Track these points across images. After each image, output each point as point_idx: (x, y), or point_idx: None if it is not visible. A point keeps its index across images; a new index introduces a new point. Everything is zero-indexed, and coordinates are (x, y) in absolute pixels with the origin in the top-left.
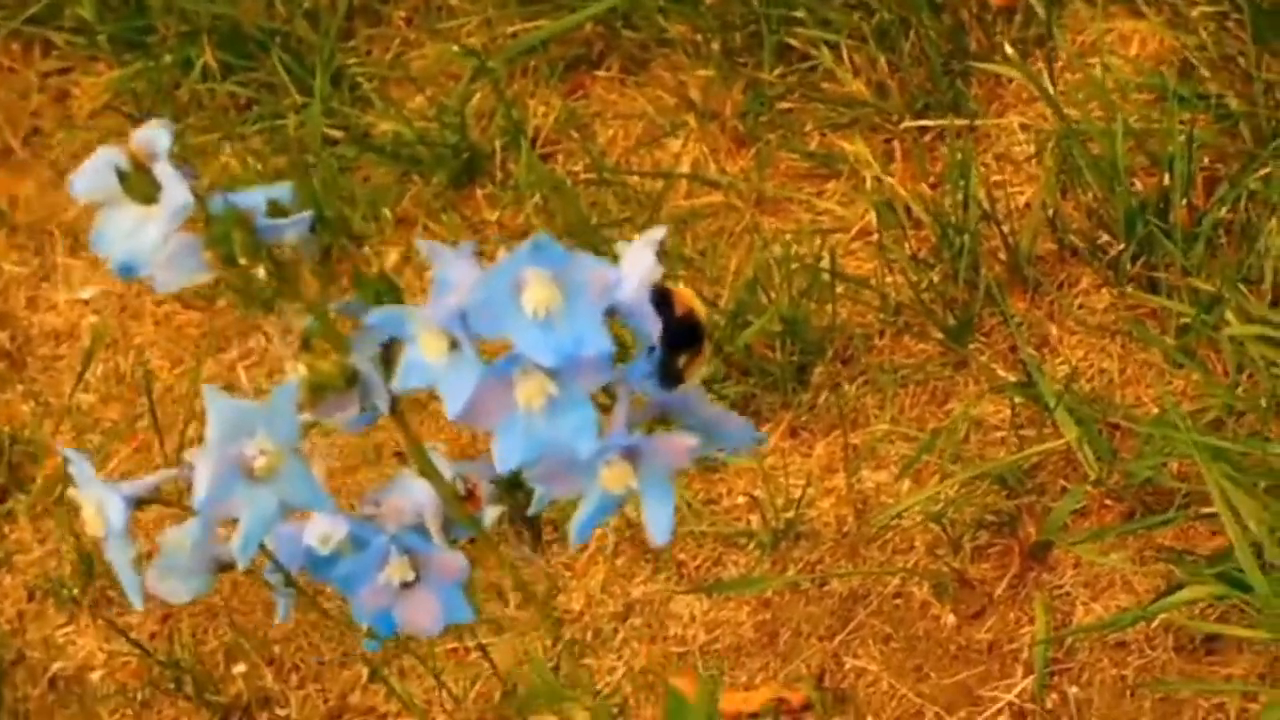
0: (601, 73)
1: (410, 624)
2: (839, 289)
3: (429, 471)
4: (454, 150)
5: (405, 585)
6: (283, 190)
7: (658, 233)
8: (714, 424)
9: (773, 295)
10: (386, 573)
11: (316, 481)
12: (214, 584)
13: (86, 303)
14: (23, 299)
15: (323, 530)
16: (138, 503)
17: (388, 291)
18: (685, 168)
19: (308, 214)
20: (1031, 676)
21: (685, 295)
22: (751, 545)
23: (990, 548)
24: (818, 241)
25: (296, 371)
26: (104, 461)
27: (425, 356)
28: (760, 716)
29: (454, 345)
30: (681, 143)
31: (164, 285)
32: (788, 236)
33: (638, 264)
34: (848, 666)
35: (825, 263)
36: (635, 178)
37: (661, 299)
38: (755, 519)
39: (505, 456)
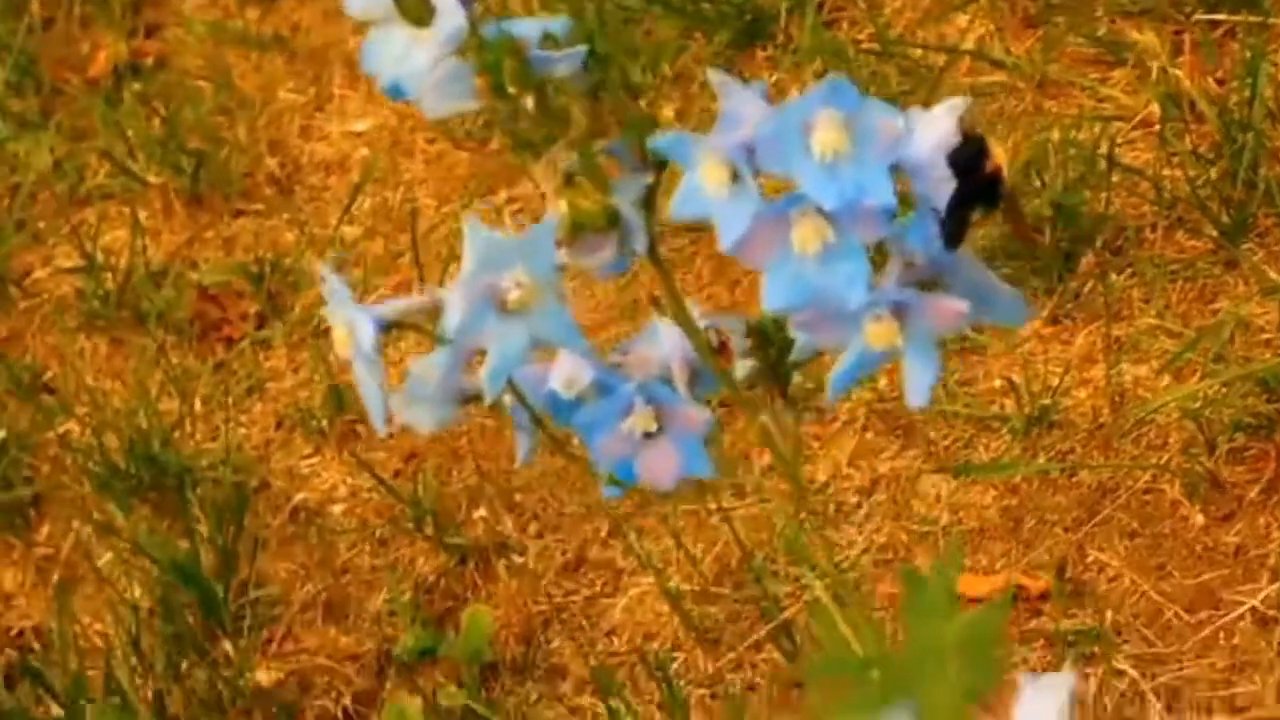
0: None
1: (649, 474)
2: (1115, 178)
3: (683, 318)
4: (738, 9)
5: (647, 435)
6: (560, 23)
7: (959, 101)
8: (986, 292)
9: (1047, 179)
10: (629, 421)
11: (570, 319)
12: (459, 416)
13: (359, 135)
14: (296, 127)
15: (567, 374)
16: (388, 326)
17: (651, 134)
18: (970, 45)
19: (581, 48)
20: (1277, 583)
21: (998, 154)
22: (1004, 430)
23: (1246, 450)
24: (1097, 129)
25: (558, 208)
26: (363, 296)
27: (705, 185)
28: (998, 601)
29: (735, 177)
30: (969, 19)
31: (431, 110)
32: (1067, 121)
33: (934, 126)
34: (1090, 559)
35: (1103, 150)
36: (919, 51)
37: (979, 151)
38: (1010, 403)
39: (773, 297)
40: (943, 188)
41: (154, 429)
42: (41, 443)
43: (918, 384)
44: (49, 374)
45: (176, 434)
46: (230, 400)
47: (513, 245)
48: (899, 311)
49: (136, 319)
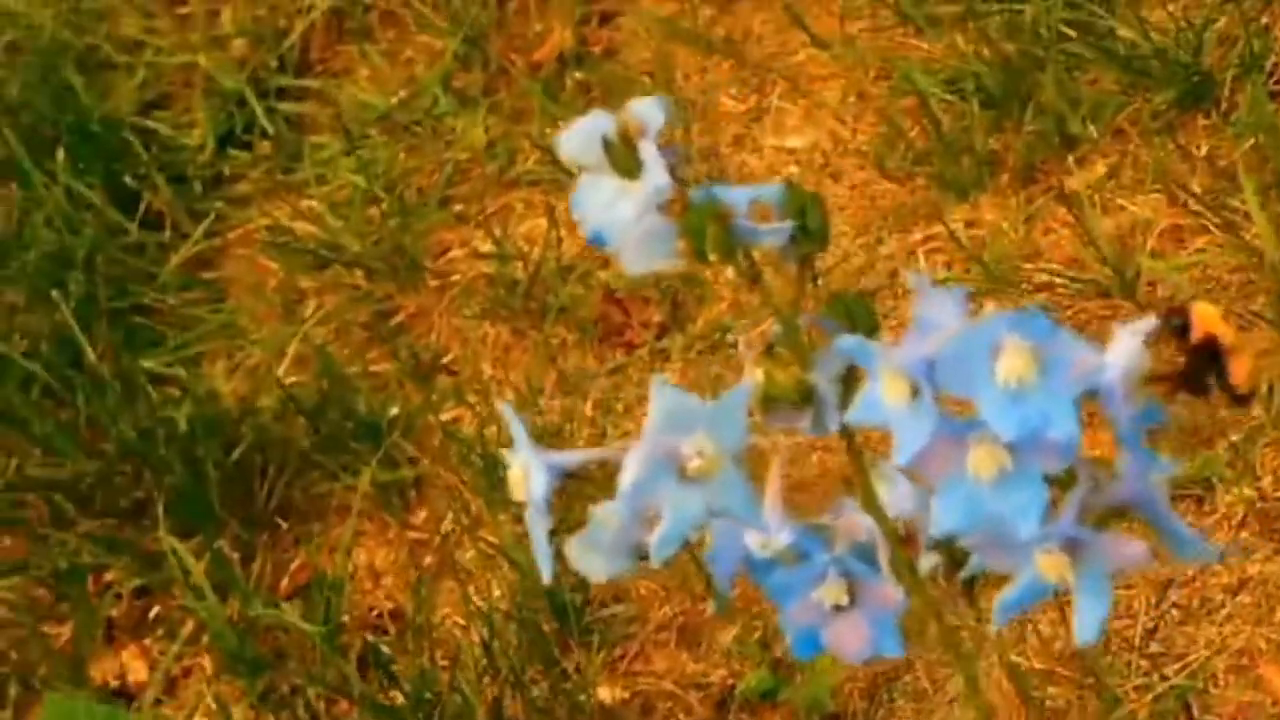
0: None
1: (836, 647)
2: None
3: (870, 503)
4: (1186, 70)
5: (838, 607)
6: (773, 191)
7: (1147, 324)
8: (1172, 532)
9: None
10: (820, 591)
11: (751, 494)
12: (634, 568)
13: (791, 152)
14: (730, 135)
15: (768, 532)
16: (564, 475)
17: (862, 314)
18: None
19: (788, 224)
20: None
21: (1206, 315)
22: None
23: None
24: None
25: (754, 377)
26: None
27: (885, 396)
28: None
29: (916, 392)
30: None
31: (631, 265)
32: None
33: (1124, 351)
34: None
35: None
36: None
37: (1181, 322)
38: None
39: (944, 518)
40: (1127, 418)
41: (539, 428)
42: (428, 425)
43: (1087, 620)
44: (449, 356)
45: (561, 434)
46: (621, 407)
47: (700, 410)
48: (1072, 546)
49: (541, 312)
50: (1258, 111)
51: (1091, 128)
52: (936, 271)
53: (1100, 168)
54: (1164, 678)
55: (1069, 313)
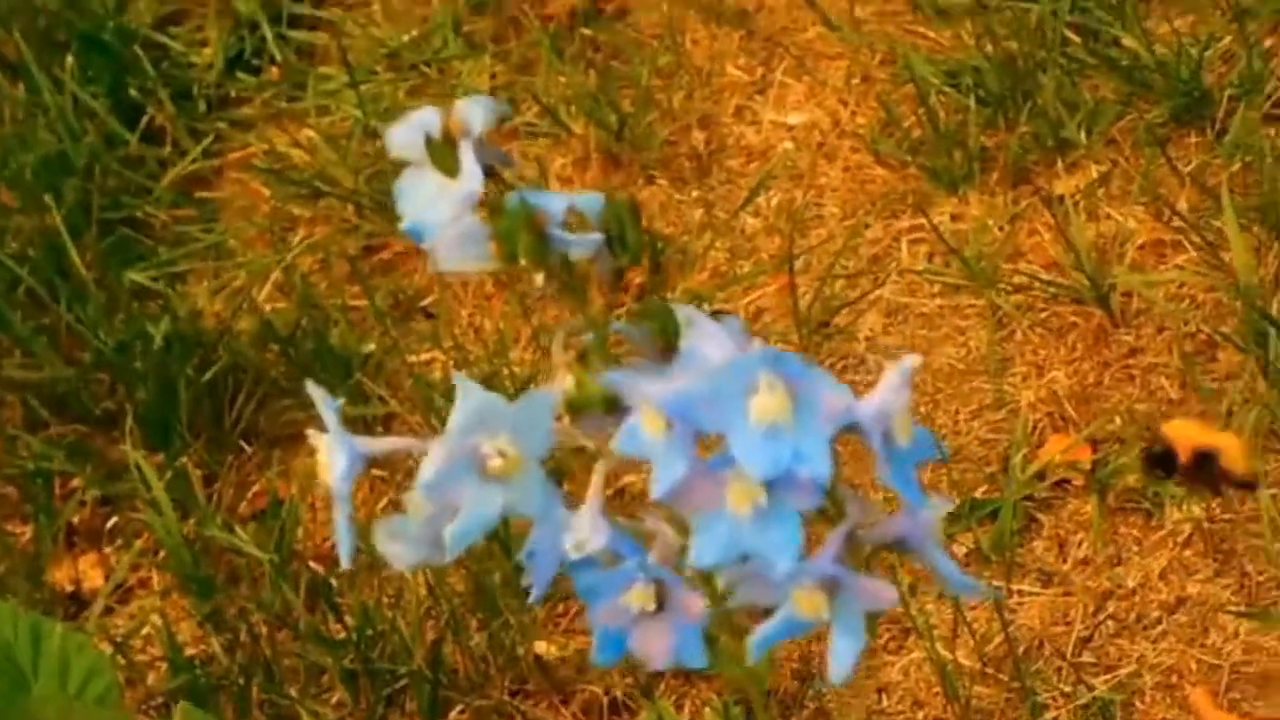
0: None
1: (641, 651)
2: None
3: (672, 517)
4: (1185, 86)
5: (645, 613)
6: (591, 200)
7: (912, 360)
8: (941, 571)
9: None
10: (628, 596)
11: (551, 498)
12: (439, 560)
13: (789, 129)
14: (732, 106)
15: (581, 534)
16: (367, 461)
17: (673, 326)
18: None
19: (598, 236)
20: None
21: (1182, 432)
22: None
23: None
24: None
25: (563, 384)
26: (747, 291)
27: (643, 430)
28: None
29: (672, 427)
30: None
31: (444, 262)
32: None
33: (885, 388)
34: None
35: None
36: None
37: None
38: None
39: (703, 552)
40: (883, 451)
41: (510, 377)
42: (401, 366)
43: (840, 659)
44: (429, 299)
45: (527, 388)
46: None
47: (505, 411)
48: (828, 585)
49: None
50: (1249, 134)
51: (1085, 134)
52: (917, 261)
53: (1090, 174)
54: (1090, 688)
55: (1042, 315)
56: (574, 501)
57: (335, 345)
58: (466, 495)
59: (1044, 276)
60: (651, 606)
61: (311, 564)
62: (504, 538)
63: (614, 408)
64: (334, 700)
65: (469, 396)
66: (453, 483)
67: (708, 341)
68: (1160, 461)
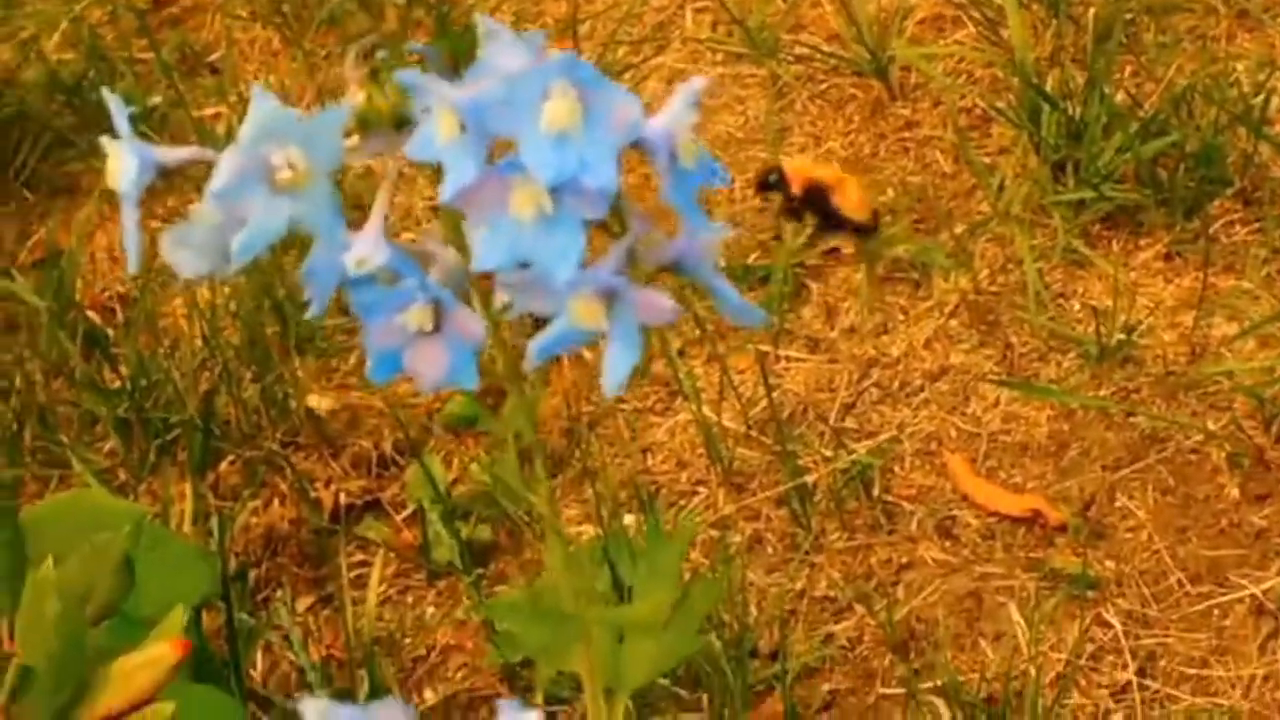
0: None
1: (415, 370)
2: (1276, 129)
3: (451, 237)
4: None
5: (421, 332)
6: None
7: (699, 82)
8: (718, 294)
9: (1197, 115)
10: (406, 314)
11: (336, 212)
12: (224, 271)
13: None
14: None
15: (362, 252)
16: (160, 170)
17: (463, 47)
18: None
19: None
20: None
21: (797, 167)
22: (1079, 352)
23: None
24: (1264, 76)
25: (354, 99)
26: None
27: (438, 133)
28: (1012, 522)
29: (465, 129)
30: None
31: None
32: (1248, 61)
33: (673, 107)
34: (1118, 504)
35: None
36: None
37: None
38: (1092, 329)
39: (485, 255)
40: (667, 167)
41: None
42: (186, 119)
43: (614, 369)
44: (216, 54)
45: None
46: None
47: (296, 124)
48: (607, 294)
49: (311, 21)
50: None
51: None
52: (701, 30)
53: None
54: (850, 453)
55: (822, 87)
56: (358, 229)
57: (121, 97)
58: (255, 205)
59: (824, 48)
60: (429, 326)
61: (89, 314)
62: (275, 287)
63: (402, 124)
64: (106, 449)
65: (262, 107)
66: (242, 192)
67: (504, 52)
68: (772, 188)
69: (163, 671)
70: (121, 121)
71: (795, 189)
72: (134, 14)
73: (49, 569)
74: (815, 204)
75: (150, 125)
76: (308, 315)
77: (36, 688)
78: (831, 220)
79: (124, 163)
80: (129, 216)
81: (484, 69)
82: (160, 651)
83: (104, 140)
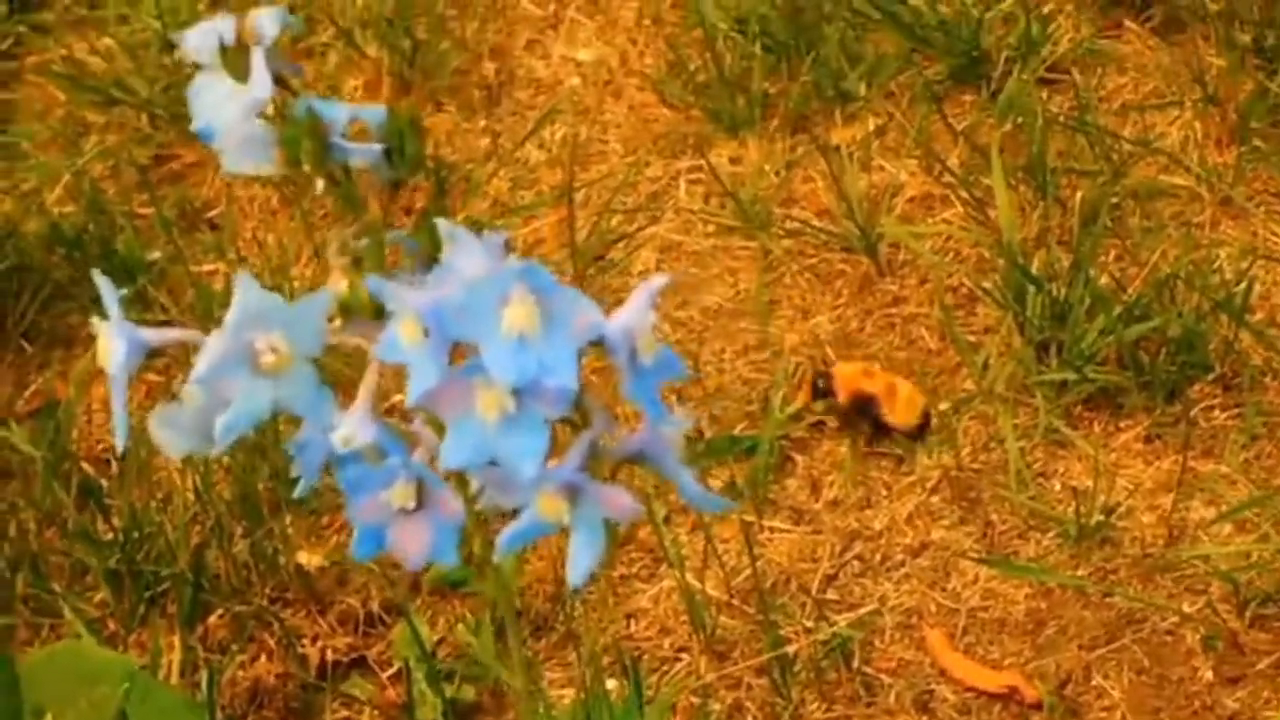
0: (1134, 24)
1: (398, 547)
2: (1257, 316)
3: (434, 422)
4: (966, 45)
5: (405, 510)
6: (374, 113)
7: (660, 281)
8: (681, 485)
9: (1179, 300)
10: (389, 492)
11: (319, 395)
12: (207, 450)
13: (578, 64)
14: (524, 40)
15: (348, 430)
16: (148, 351)
17: (437, 240)
18: (1169, 142)
19: (379, 146)
20: None
21: (847, 374)
22: (1058, 532)
23: (1276, 621)
24: (1246, 263)
25: (336, 286)
26: (527, 221)
27: (401, 337)
28: (989, 699)
29: (428, 334)
30: (1179, 114)
31: (232, 164)
32: (1230, 249)
33: (631, 306)
34: (1094, 682)
35: (1244, 287)
36: (1111, 137)
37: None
38: (1072, 509)
39: (452, 454)
40: (627, 367)
41: (291, 293)
42: (184, 275)
43: (578, 563)
44: (215, 211)
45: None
46: None
47: (280, 310)
48: (570, 491)
49: (309, 182)
50: (1023, 95)
51: (865, 86)
52: (694, 201)
53: (867, 126)
54: (832, 624)
55: (811, 261)
56: (345, 407)
57: (121, 251)
58: (238, 388)
59: (815, 223)
60: (411, 504)
61: (84, 465)
62: (272, 445)
63: (383, 313)
64: (97, 599)
65: (247, 293)
66: (226, 375)
67: (465, 255)
68: (823, 395)
69: None
70: (111, 303)
71: (842, 399)
72: (135, 169)
73: None
74: (864, 412)
75: (149, 279)
76: (296, 492)
77: None
78: (881, 429)
79: (113, 344)
80: (118, 397)
81: (445, 272)
82: None
83: (94, 321)
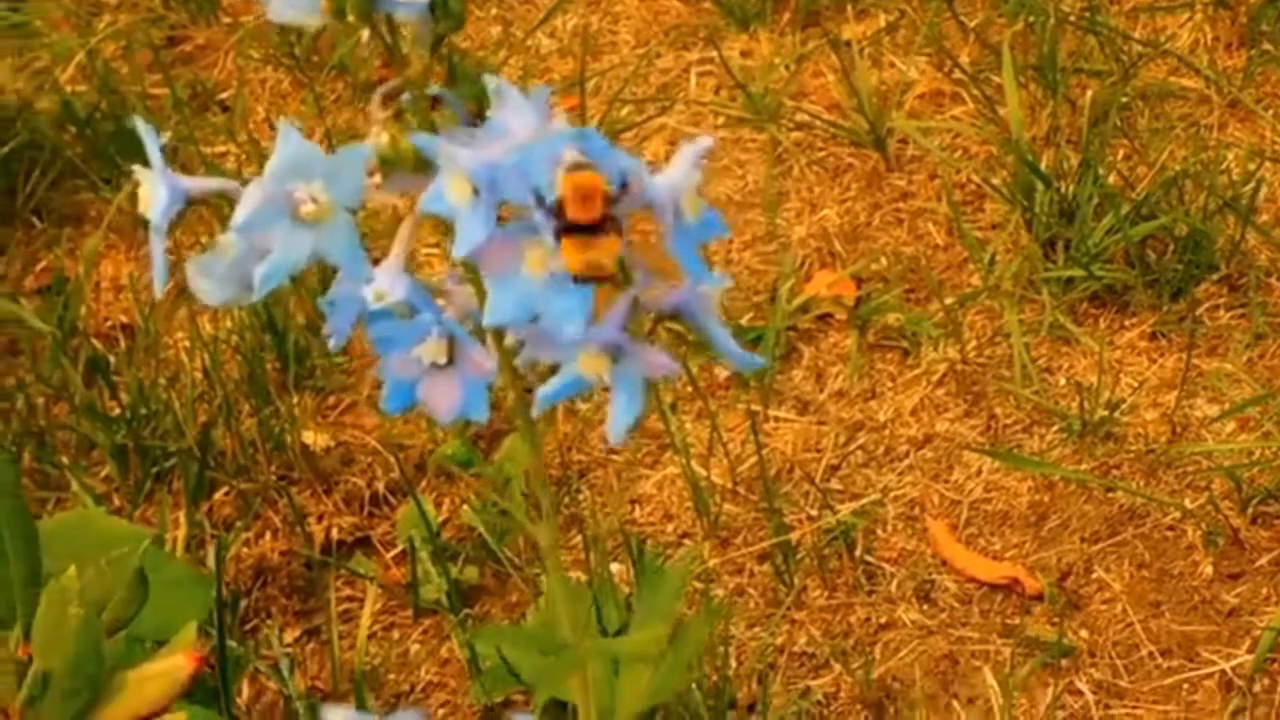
0: None
1: (428, 403)
2: (1263, 217)
3: (474, 279)
4: None
5: (436, 365)
6: None
7: (705, 142)
8: (718, 342)
9: (1186, 200)
10: (421, 348)
11: (357, 245)
12: (245, 300)
13: None
14: None
15: (382, 285)
16: (189, 199)
17: (483, 94)
18: (1180, 44)
19: (423, 0)
20: (1254, 655)
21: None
22: (1062, 426)
23: (1277, 518)
24: (1254, 165)
25: (377, 139)
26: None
27: (449, 193)
28: (990, 589)
29: (478, 192)
30: (1189, 16)
31: (276, 13)
32: (1238, 150)
33: (677, 168)
34: (1094, 575)
35: (1251, 187)
36: (1122, 38)
37: None
38: (1076, 404)
39: (497, 311)
40: (673, 226)
41: None
42: (195, 155)
43: (618, 421)
44: (226, 93)
45: None
46: None
47: (321, 160)
48: (611, 349)
49: (321, 66)
50: None
51: None
52: (704, 93)
53: (878, 22)
54: (834, 513)
55: (820, 154)
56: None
57: (131, 130)
58: (277, 237)
59: (825, 117)
60: (443, 360)
61: (92, 341)
62: (276, 324)
63: (423, 167)
64: (103, 474)
65: (288, 142)
66: (265, 224)
67: (513, 114)
68: None
69: (176, 683)
70: (154, 151)
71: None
72: (149, 49)
73: (72, 577)
74: None
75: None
76: (330, 347)
77: (53, 692)
78: None
79: (155, 192)
80: (157, 244)
81: (494, 130)
82: (175, 663)
83: (136, 169)
